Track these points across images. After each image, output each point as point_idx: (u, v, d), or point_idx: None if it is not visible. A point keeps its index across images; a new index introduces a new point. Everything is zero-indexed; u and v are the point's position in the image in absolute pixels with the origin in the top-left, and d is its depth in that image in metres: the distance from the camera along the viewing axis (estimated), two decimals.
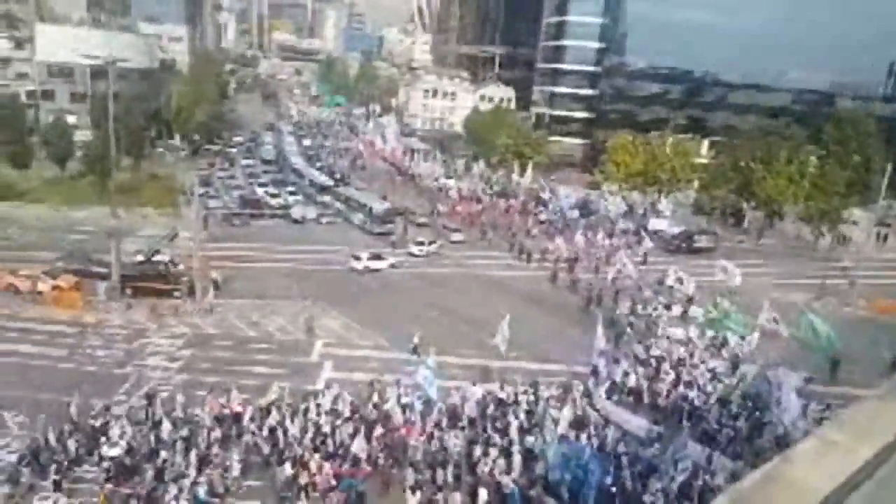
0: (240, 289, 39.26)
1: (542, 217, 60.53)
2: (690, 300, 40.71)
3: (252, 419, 24.53)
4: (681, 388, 29.35)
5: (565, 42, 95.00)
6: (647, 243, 53.15)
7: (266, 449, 23.20)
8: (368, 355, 32.27)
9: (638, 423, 25.79)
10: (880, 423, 2.77)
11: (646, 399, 28.90)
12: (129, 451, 22.23)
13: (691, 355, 32.59)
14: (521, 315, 35.45)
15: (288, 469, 21.57)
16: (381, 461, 22.79)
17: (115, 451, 21.95)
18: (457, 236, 53.78)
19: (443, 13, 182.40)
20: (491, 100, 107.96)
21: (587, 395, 28.04)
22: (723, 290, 41.02)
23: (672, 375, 30.23)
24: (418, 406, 25.82)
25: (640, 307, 39.23)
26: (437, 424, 24.89)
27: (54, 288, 35.57)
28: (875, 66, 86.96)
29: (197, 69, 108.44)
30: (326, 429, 23.95)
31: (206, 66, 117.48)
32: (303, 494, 20.73)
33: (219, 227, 51.88)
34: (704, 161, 74.65)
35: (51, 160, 62.16)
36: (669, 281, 43.81)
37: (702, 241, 56.35)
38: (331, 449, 22.95)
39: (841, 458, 2.52)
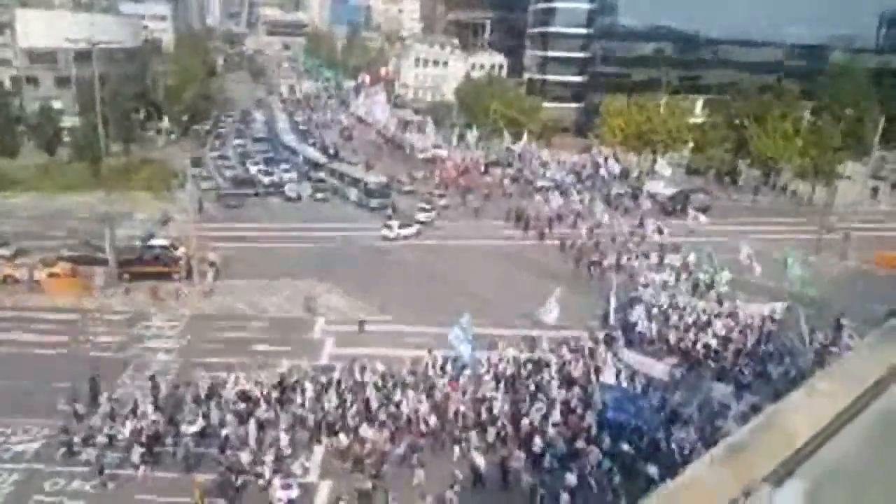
0: (238, 269, 39.23)
1: (539, 184, 60.30)
2: (664, 248, 42.70)
3: (283, 396, 24.85)
4: (692, 332, 31.20)
5: (555, 4, 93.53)
6: (646, 204, 53.30)
7: (311, 422, 23.47)
8: (371, 330, 32.35)
9: (661, 369, 27.00)
10: (862, 372, 2.87)
11: (661, 344, 30.43)
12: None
13: (672, 297, 34.82)
14: (519, 280, 35.47)
15: (343, 439, 22.17)
16: (431, 422, 23.35)
17: (194, 428, 22.56)
18: (442, 202, 55.05)
19: None
20: (482, 67, 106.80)
21: (608, 347, 29.02)
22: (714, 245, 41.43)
23: (682, 319, 32.42)
24: (455, 368, 26.68)
25: (624, 258, 41.15)
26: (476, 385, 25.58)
27: (51, 276, 35.55)
28: (866, 18, 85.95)
29: (182, 48, 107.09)
30: (373, 398, 24.42)
31: (192, 45, 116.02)
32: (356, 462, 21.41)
33: (213, 207, 51.72)
34: (699, 120, 74.11)
35: (39, 148, 61.61)
36: (649, 231, 46.56)
37: (696, 201, 56.28)
38: (383, 417, 23.44)
39: (826, 405, 2.61)
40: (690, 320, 32.49)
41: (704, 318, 32.76)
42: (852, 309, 32.20)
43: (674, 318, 32.67)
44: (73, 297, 34.78)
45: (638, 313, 32.19)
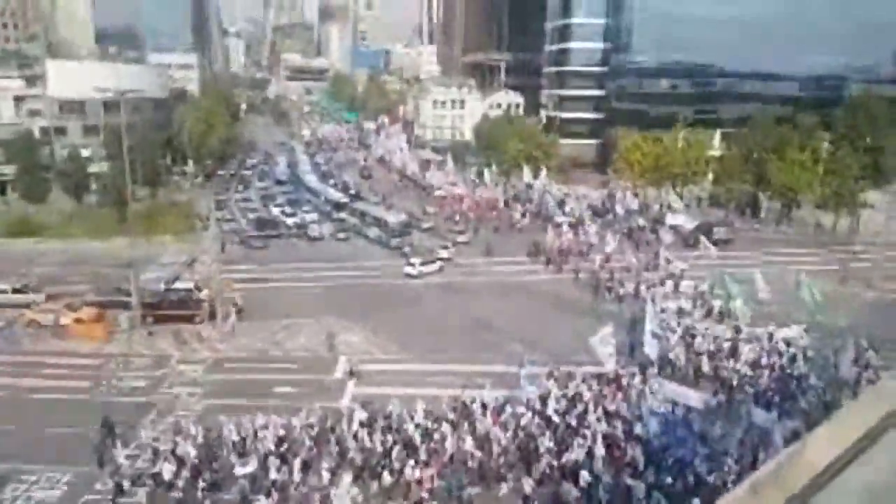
0: (261, 310, 39.51)
1: (558, 220, 60.25)
2: (681, 275, 43.24)
3: (320, 437, 24.90)
4: (721, 359, 31.40)
5: (570, 44, 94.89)
6: (667, 238, 53.07)
7: (359, 461, 23.49)
8: (392, 369, 32.29)
9: (697, 397, 26.88)
10: (888, 402, 2.81)
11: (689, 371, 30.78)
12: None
13: (688, 326, 35.02)
14: (541, 316, 35.26)
15: (387, 477, 22.26)
16: (475, 458, 23.37)
17: (248, 469, 22.61)
18: (462, 238, 55.62)
19: (447, 23, 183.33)
20: (499, 106, 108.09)
21: (642, 378, 28.94)
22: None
23: (707, 345, 32.59)
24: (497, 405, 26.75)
25: (642, 288, 41.56)
26: (519, 422, 25.52)
27: (76, 321, 36.04)
28: (881, 48, 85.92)
29: (207, 94, 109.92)
30: (415, 436, 24.48)
31: (217, 91, 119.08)
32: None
33: (237, 249, 52.39)
34: (717, 153, 74.01)
35: (67, 194, 63.17)
36: (662, 262, 46.85)
37: (719, 234, 55.87)
38: (423, 456, 23.49)
39: (853, 436, 2.56)
40: (713, 347, 32.60)
41: (727, 344, 32.81)
42: (878, 337, 31.68)
43: (701, 344, 32.72)
44: (98, 342, 35.19)
45: (665, 341, 32.15)
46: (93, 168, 65.22)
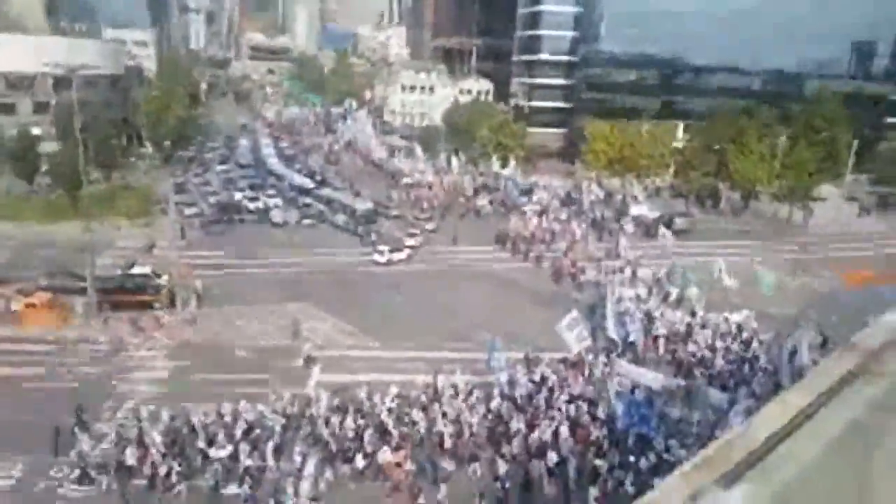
0: (222, 296, 38.66)
1: (525, 208, 60.38)
2: (637, 263, 44.43)
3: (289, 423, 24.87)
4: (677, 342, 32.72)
5: (540, 32, 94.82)
6: (630, 228, 53.87)
7: (332, 445, 23.55)
8: (358, 355, 31.97)
9: (656, 378, 27.69)
10: (828, 383, 2.91)
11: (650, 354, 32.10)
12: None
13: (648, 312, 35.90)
14: (507, 303, 35.38)
15: (360, 461, 22.46)
16: (448, 440, 23.87)
17: (223, 453, 22.69)
18: (429, 225, 55.46)
19: (417, 6, 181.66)
20: (469, 93, 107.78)
21: (605, 361, 29.86)
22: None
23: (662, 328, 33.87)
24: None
25: (601, 276, 42.61)
26: (489, 405, 26.17)
27: (28, 306, 34.72)
28: (839, 45, 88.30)
29: (165, 73, 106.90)
30: (388, 420, 24.70)
31: (175, 70, 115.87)
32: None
33: (197, 234, 51.15)
34: (680, 145, 75.19)
35: (17, 175, 60.68)
36: (622, 250, 47.86)
37: (680, 224, 56.95)
38: (396, 438, 23.85)
39: (796, 416, 2.67)
40: (669, 331, 33.83)
41: (683, 328, 34.18)
42: (826, 324, 33.08)
43: (659, 329, 33.81)
44: (52, 328, 34.00)
45: (627, 325, 33.02)
46: (44, 148, 62.68)
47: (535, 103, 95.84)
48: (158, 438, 23.19)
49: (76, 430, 24.00)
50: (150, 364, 31.16)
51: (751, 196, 66.76)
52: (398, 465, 22.23)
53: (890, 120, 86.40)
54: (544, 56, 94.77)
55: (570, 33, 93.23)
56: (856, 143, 61.50)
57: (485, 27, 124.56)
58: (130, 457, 22.30)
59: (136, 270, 39.76)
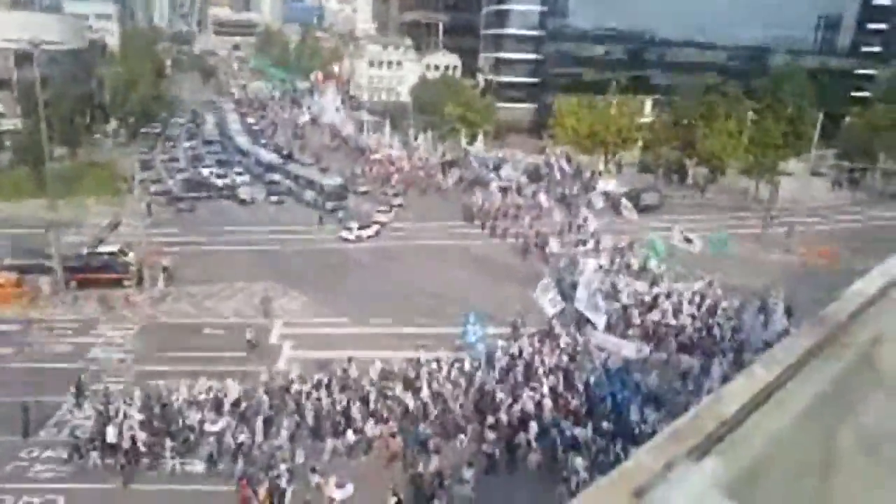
0: (191, 274, 38.58)
1: (494, 185, 60.77)
2: (599, 236, 44.85)
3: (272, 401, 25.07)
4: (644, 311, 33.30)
5: (508, 7, 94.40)
6: (598, 203, 54.49)
7: (321, 422, 23.89)
8: (329, 332, 32.27)
9: (630, 347, 28.50)
10: (795, 355, 3.07)
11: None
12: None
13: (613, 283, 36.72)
14: (476, 278, 35.91)
15: (350, 436, 22.74)
16: (433, 413, 24.30)
17: (217, 427, 23.04)
18: (397, 201, 55.49)
19: None
20: (437, 68, 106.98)
21: (580, 331, 30.51)
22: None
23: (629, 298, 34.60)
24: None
25: (566, 249, 43.54)
26: (472, 378, 26.69)
27: None
28: (805, 21, 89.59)
29: (129, 48, 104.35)
30: (372, 395, 25.13)
31: (139, 45, 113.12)
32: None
33: (164, 212, 50.69)
34: (648, 120, 75.89)
35: None
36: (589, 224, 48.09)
37: (647, 199, 57.73)
38: (384, 413, 24.19)
39: (762, 389, 2.83)
40: (634, 301, 34.60)
41: (648, 298, 34.94)
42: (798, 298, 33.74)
43: (627, 299, 34.58)
44: (19, 308, 33.72)
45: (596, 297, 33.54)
46: (5, 125, 61.21)
47: (503, 78, 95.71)
48: (137, 416, 23.32)
49: (73, 406, 24.54)
50: (118, 342, 31.15)
51: (718, 171, 67.76)
52: (392, 436, 22.69)
53: (855, 94, 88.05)
54: (512, 30, 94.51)
55: (537, 7, 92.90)
56: (821, 118, 62.70)
57: (452, 1, 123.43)
58: (111, 434, 22.42)
59: (103, 249, 39.49)
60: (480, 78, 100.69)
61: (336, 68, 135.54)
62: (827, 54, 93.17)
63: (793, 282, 37.04)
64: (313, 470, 21.00)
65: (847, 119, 79.34)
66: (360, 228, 46.99)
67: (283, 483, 20.34)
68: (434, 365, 27.44)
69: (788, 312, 32.17)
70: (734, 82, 74.05)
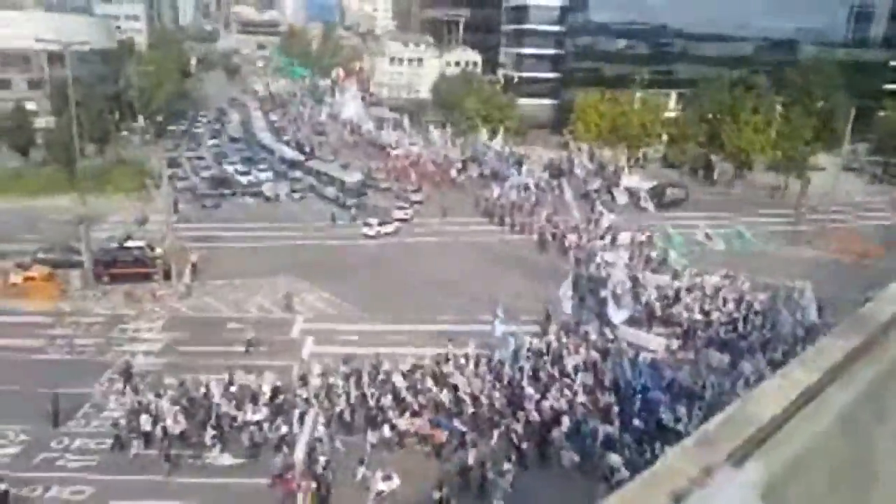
0: (216, 269, 39.08)
1: (514, 181, 60.48)
2: (616, 231, 44.88)
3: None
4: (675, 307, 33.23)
5: (528, 1, 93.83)
6: (622, 199, 54.09)
7: (348, 416, 24.11)
8: (351, 328, 32.46)
9: (657, 342, 28.50)
10: (833, 358, 2.94)
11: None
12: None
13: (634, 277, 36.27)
14: (498, 273, 35.85)
15: (387, 430, 22.92)
16: (468, 408, 24.37)
17: (259, 416, 23.43)
18: (417, 197, 55.54)
19: None
20: (457, 64, 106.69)
21: (607, 326, 30.37)
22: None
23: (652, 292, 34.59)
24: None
25: (583, 241, 43.93)
26: (501, 374, 26.67)
27: (27, 279, 35.15)
28: (836, 12, 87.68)
29: (156, 48, 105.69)
30: (404, 390, 25.22)
31: (166, 44, 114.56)
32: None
33: (190, 208, 51.35)
34: (672, 115, 74.96)
35: (12, 150, 60.59)
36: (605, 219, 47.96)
37: (672, 195, 57.15)
38: (416, 407, 24.31)
39: (797, 391, 2.73)
40: (657, 294, 34.49)
41: (671, 292, 34.84)
42: (828, 296, 33.06)
43: (650, 294, 34.42)
44: (50, 301, 34.42)
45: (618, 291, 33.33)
46: (39, 123, 62.42)
47: (524, 74, 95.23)
48: (172, 407, 23.75)
49: (119, 393, 25.40)
50: (146, 336, 31.66)
51: (744, 166, 66.65)
52: (432, 433, 22.78)
53: (888, 87, 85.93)
54: (532, 26, 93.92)
55: (558, 2, 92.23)
56: (853, 111, 61.13)
57: None
58: (146, 423, 22.98)
59: (131, 244, 40.10)
60: (501, 73, 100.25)
61: (357, 66, 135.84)
62: (859, 46, 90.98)
63: (824, 279, 36.14)
64: (361, 462, 21.03)
65: (880, 113, 77.52)
66: (380, 224, 47.16)
67: (329, 476, 20.40)
68: (462, 360, 27.46)
69: (819, 309, 31.73)
70: (761, 76, 72.76)
